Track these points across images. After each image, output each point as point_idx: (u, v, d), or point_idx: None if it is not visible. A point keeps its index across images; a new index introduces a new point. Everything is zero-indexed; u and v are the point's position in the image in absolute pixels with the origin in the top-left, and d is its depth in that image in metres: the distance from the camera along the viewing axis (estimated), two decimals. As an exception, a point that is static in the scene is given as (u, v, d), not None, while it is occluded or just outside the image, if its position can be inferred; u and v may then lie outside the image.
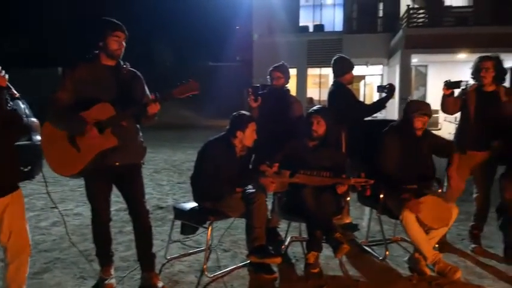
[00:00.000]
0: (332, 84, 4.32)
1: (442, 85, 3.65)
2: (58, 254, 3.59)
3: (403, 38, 14.07)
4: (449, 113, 3.84)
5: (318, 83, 19.22)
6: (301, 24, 18.99)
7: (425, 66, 17.52)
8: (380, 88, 4.26)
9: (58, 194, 5.64)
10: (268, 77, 4.00)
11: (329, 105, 4.21)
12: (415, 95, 16.78)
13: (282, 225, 3.76)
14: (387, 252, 3.49)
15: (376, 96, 14.72)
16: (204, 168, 3.17)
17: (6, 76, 2.41)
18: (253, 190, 3.10)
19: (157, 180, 6.86)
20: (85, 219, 4.43)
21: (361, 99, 18.22)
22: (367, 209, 4.06)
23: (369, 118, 4.31)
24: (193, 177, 3.28)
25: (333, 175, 3.24)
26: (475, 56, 3.82)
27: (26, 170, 4.72)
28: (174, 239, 3.54)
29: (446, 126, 11.55)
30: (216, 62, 25.51)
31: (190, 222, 3.29)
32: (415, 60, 15.23)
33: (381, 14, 18.34)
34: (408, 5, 15.18)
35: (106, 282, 2.95)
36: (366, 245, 3.84)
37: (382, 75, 18.95)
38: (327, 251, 3.28)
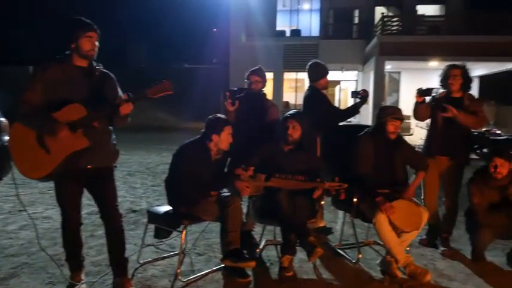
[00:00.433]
0: (307, 89, 4.36)
1: (414, 91, 3.78)
2: (26, 259, 3.47)
3: (377, 45, 14.34)
4: (421, 119, 3.98)
5: (295, 87, 19.36)
6: (278, 28, 19.10)
7: (399, 72, 17.92)
8: (354, 94, 4.33)
9: (27, 197, 5.47)
10: (245, 80, 4.01)
11: (304, 110, 4.25)
12: (389, 101, 17.13)
13: (257, 229, 3.77)
14: (360, 255, 3.54)
15: (351, 102, 14.94)
16: (178, 172, 3.14)
17: None
18: (228, 194, 3.09)
19: (131, 183, 6.75)
20: (55, 223, 4.31)
21: (337, 104, 18.49)
22: (340, 213, 4.11)
23: (344, 123, 4.39)
24: (168, 180, 3.25)
25: (307, 179, 3.27)
26: (446, 64, 3.97)
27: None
28: (147, 243, 3.49)
29: (418, 132, 11.83)
30: (192, 64, 25.32)
31: (164, 226, 3.25)
32: (388, 66, 15.55)
33: (356, 20, 18.64)
34: (383, 13, 15.51)
35: (76, 287, 2.88)
36: (339, 248, 3.88)
37: (357, 80, 19.24)
38: (301, 254, 3.31)
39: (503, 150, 3.60)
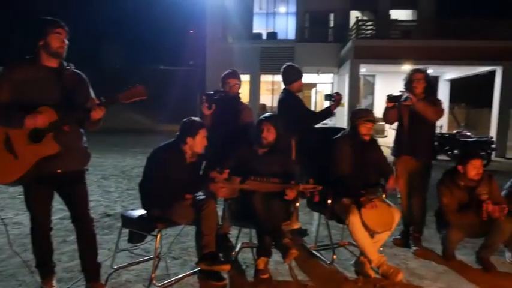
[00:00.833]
0: (281, 92, 4.39)
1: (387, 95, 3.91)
2: (-6, 266, 3.38)
3: (352, 48, 14.55)
4: (390, 123, 4.18)
5: (271, 90, 19.43)
6: (254, 31, 19.16)
7: (373, 75, 18.26)
8: (327, 97, 4.39)
9: (-4, 202, 5.32)
10: (221, 83, 3.99)
11: (279, 113, 4.27)
12: (364, 103, 17.39)
13: (233, 232, 3.77)
14: (334, 256, 3.59)
15: (326, 104, 15.08)
16: (152, 175, 3.11)
17: None
18: (204, 197, 3.08)
19: (105, 187, 6.64)
20: (25, 228, 4.18)
21: (312, 106, 18.67)
22: (315, 215, 4.16)
23: (320, 125, 4.45)
24: (142, 183, 3.21)
25: (282, 181, 3.29)
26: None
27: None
28: (121, 247, 3.43)
29: (392, 134, 12.10)
30: (168, 65, 25.07)
31: (138, 230, 3.21)
32: (363, 69, 15.80)
33: (331, 24, 18.88)
34: (357, 17, 15.74)
35: (47, 294, 2.81)
36: (314, 250, 3.93)
37: (332, 83, 19.47)
38: (276, 256, 3.32)
39: (477, 152, 3.77)
